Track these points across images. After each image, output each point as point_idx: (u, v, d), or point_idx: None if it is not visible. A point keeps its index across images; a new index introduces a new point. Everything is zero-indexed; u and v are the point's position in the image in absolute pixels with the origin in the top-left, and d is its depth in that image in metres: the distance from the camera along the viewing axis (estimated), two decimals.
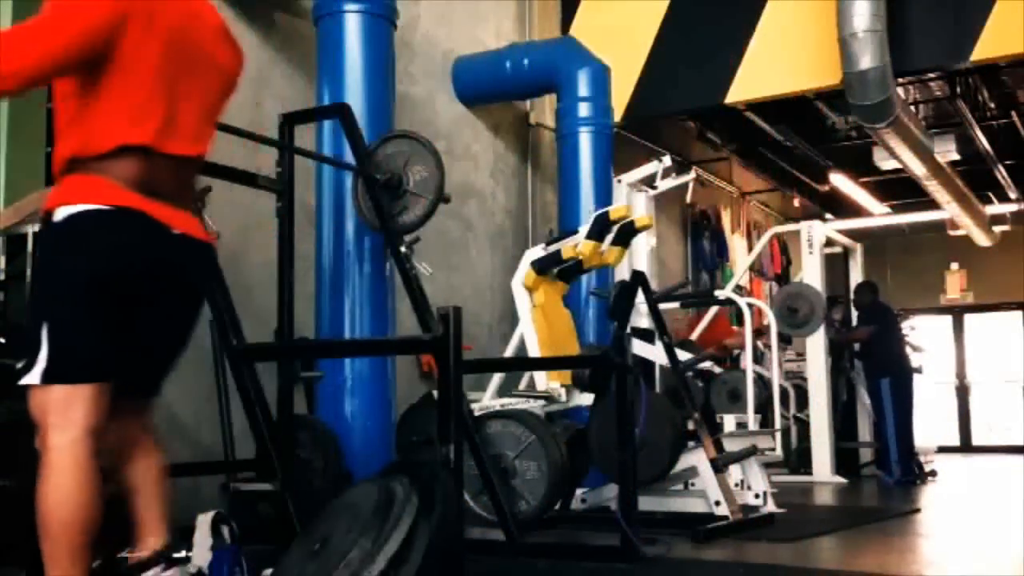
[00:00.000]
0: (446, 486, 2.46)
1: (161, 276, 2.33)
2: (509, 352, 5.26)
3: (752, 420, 6.79)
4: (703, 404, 7.09)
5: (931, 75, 8.66)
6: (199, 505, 3.76)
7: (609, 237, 5.07)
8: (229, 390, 4.61)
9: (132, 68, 2.26)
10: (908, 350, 8.77)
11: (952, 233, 12.76)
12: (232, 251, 4.84)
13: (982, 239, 12.45)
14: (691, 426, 5.10)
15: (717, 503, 4.88)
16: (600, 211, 5.15)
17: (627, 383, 4.00)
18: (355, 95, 4.99)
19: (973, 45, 6.71)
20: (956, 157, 10.43)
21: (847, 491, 7.67)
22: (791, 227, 9.78)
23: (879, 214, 13.67)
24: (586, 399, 4.99)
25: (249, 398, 3.26)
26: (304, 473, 4.27)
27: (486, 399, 5.22)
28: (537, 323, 5.03)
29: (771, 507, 5.38)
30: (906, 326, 9.36)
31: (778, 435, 6.93)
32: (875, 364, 8.39)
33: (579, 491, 5.16)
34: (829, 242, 9.06)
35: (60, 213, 2.21)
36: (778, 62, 7.39)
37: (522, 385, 5.31)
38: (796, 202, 12.67)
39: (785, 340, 8.75)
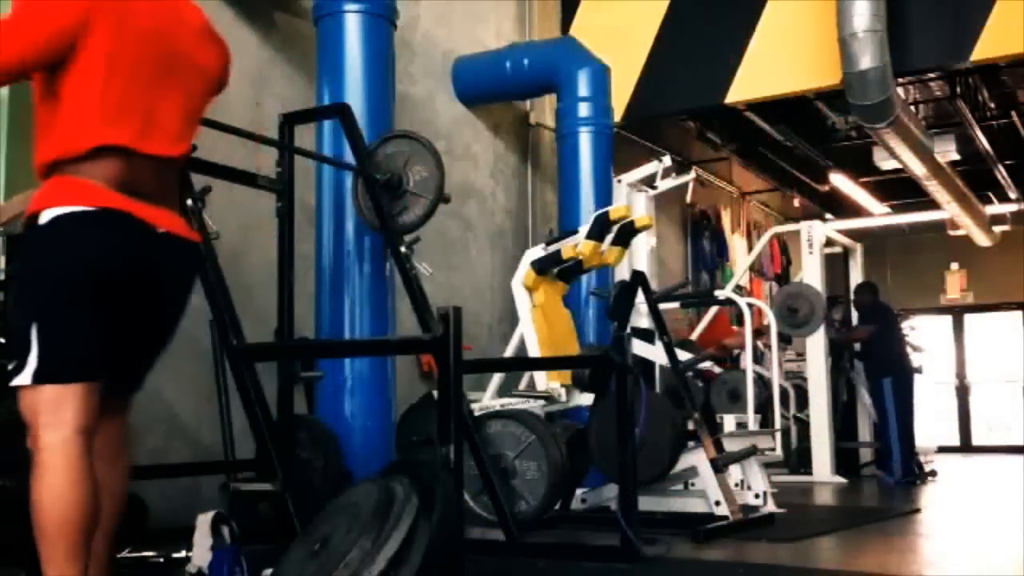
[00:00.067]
0: (446, 486, 2.46)
1: (147, 274, 2.34)
2: (509, 352, 5.26)
3: (752, 420, 6.79)
4: (703, 404, 7.09)
5: (931, 75, 8.67)
6: (199, 505, 3.77)
7: (609, 237, 5.07)
8: (229, 390, 4.60)
9: (101, 69, 2.27)
10: (908, 350, 8.77)
11: (952, 233, 12.76)
12: (232, 251, 4.84)
13: (982, 239, 12.45)
14: (691, 426, 5.10)
15: (717, 503, 4.88)
16: (600, 211, 5.15)
17: (627, 383, 4.00)
18: (355, 95, 4.99)
19: (973, 45, 6.71)
20: (956, 157, 10.43)
21: (847, 491, 7.67)
22: (791, 227, 9.78)
23: (879, 214, 13.68)
24: (586, 399, 4.99)
25: (249, 398, 3.26)
26: (304, 473, 4.26)
27: (486, 399, 5.22)
28: (537, 323, 5.03)
29: (771, 507, 5.38)
30: (906, 326, 9.36)
31: (778, 435, 6.93)
32: (876, 364, 8.39)
33: (579, 491, 5.16)
34: (829, 242, 9.06)
35: (45, 216, 2.22)
36: (778, 62, 7.39)
37: (522, 385, 5.31)
38: (796, 202, 12.67)
39: (785, 340, 8.75)
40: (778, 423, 7.38)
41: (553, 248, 5.11)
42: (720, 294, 8.10)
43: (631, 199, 7.20)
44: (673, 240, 10.81)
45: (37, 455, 2.17)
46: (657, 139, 9.31)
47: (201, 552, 3.27)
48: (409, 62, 6.62)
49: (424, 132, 5.14)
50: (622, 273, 6.46)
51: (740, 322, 8.08)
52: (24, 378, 2.18)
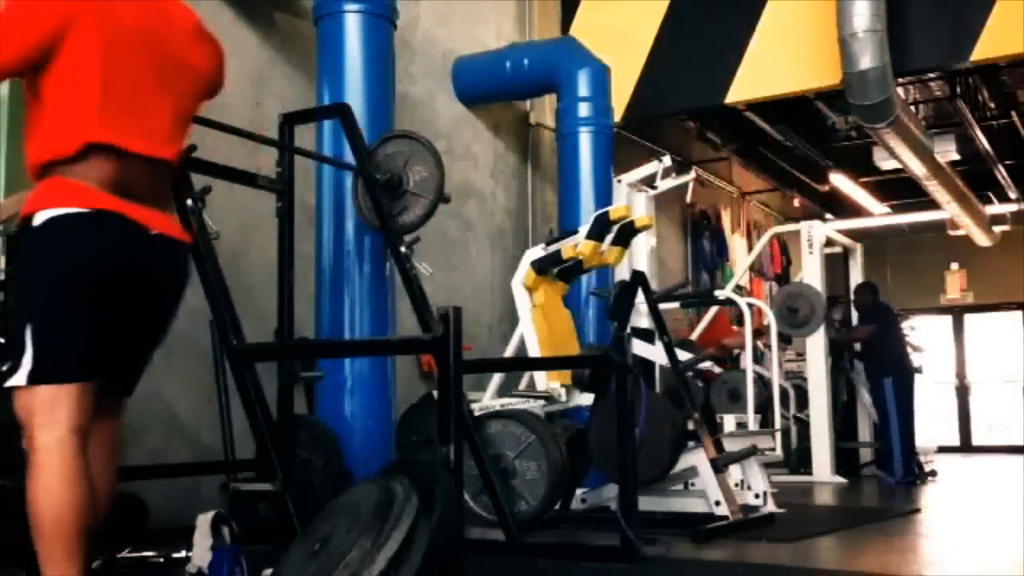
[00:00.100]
0: (446, 486, 2.46)
1: (140, 276, 2.36)
2: (509, 352, 5.26)
3: (752, 420, 6.79)
4: (703, 404, 7.09)
5: (931, 75, 8.67)
6: (199, 505, 3.77)
7: (609, 237, 5.06)
8: (229, 390, 4.61)
9: (85, 68, 2.28)
10: (908, 350, 8.77)
11: (952, 233, 12.76)
12: (232, 251, 4.84)
13: (982, 239, 12.45)
14: (691, 426, 5.10)
15: (717, 503, 4.88)
16: (600, 211, 5.15)
17: (627, 383, 3.99)
18: (355, 95, 4.99)
19: (973, 45, 6.71)
20: (956, 157, 10.43)
21: (847, 491, 7.67)
22: (791, 227, 9.78)
23: (879, 214, 13.68)
24: (586, 399, 4.99)
25: (249, 398, 3.25)
26: (304, 473, 4.26)
27: (486, 399, 5.22)
28: (537, 323, 5.03)
29: (771, 507, 5.38)
30: (906, 326, 9.36)
31: (778, 435, 6.93)
32: (877, 364, 8.39)
33: (579, 491, 5.16)
34: (829, 242, 9.06)
35: (39, 217, 2.24)
36: (778, 62, 7.39)
37: (522, 385, 5.31)
38: (796, 202, 12.68)
39: (785, 340, 8.74)
40: (778, 423, 7.38)
41: (553, 248, 5.11)
42: (720, 294, 8.10)
43: (631, 199, 7.20)
44: (673, 240, 10.82)
45: (32, 455, 2.18)
46: (657, 139, 9.31)
47: (201, 552, 3.27)
48: (409, 62, 6.62)
49: (424, 132, 5.14)
50: (622, 273, 6.46)
51: (740, 322, 8.08)
52: (19, 379, 2.19)
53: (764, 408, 7.58)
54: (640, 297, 5.37)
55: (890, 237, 14.71)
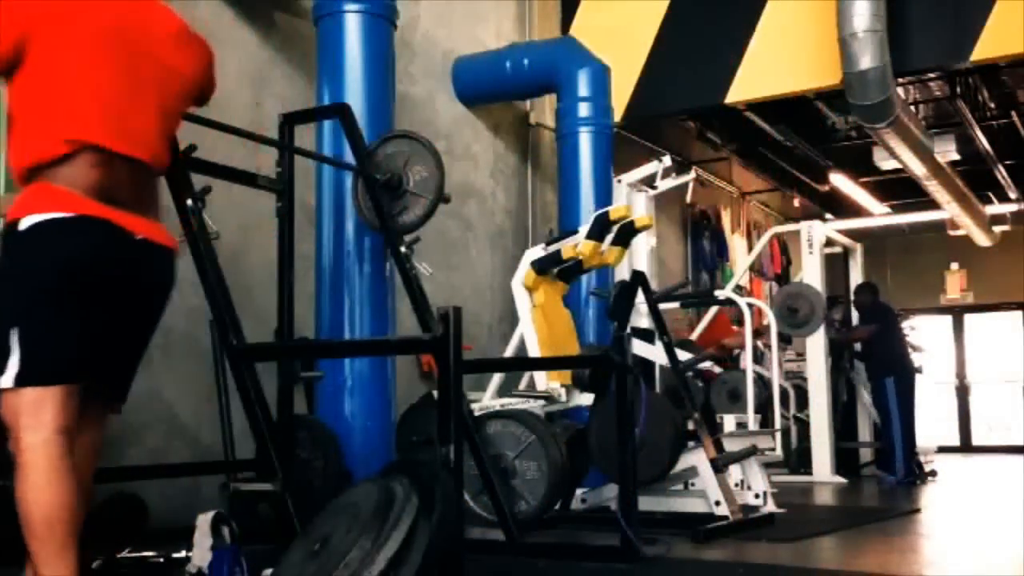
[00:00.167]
0: (446, 486, 2.46)
1: (124, 280, 2.39)
2: (509, 352, 5.26)
3: (752, 420, 6.79)
4: (703, 404, 7.09)
5: (931, 75, 8.67)
6: (199, 505, 3.77)
7: (609, 237, 5.06)
8: (229, 390, 4.61)
9: (56, 72, 2.32)
10: (908, 349, 8.77)
11: (952, 233, 12.76)
12: (232, 251, 4.84)
13: (982, 239, 12.45)
14: (691, 426, 5.10)
15: (717, 503, 4.88)
16: (600, 211, 5.14)
17: (627, 383, 3.99)
18: (355, 95, 4.99)
19: (973, 45, 6.71)
20: (956, 157, 10.43)
21: (847, 491, 7.67)
22: (791, 227, 9.78)
23: (879, 214, 13.68)
24: (586, 399, 4.98)
25: (249, 398, 3.25)
26: (304, 473, 4.26)
27: (486, 399, 5.22)
28: (537, 323, 5.03)
29: (771, 507, 5.38)
30: (906, 326, 9.36)
31: (778, 435, 6.92)
32: (878, 364, 8.39)
33: (579, 491, 5.16)
34: (829, 242, 9.06)
35: (24, 222, 2.27)
36: (778, 62, 7.39)
37: (522, 385, 5.30)
38: (796, 202, 12.68)
39: (785, 340, 8.74)
40: (778, 423, 7.38)
41: (553, 248, 5.11)
42: (720, 294, 8.09)
43: (631, 199, 7.20)
44: (673, 240, 10.81)
45: (19, 456, 2.22)
46: (657, 139, 9.31)
47: (201, 552, 3.27)
48: (409, 62, 6.62)
49: (424, 132, 5.14)
50: (622, 273, 6.46)
51: (740, 322, 8.08)
52: (5, 381, 2.23)
53: (764, 408, 7.58)
54: (640, 297, 5.37)
55: (890, 237, 14.71)
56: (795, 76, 7.42)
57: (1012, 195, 12.64)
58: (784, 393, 8.17)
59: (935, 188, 9.60)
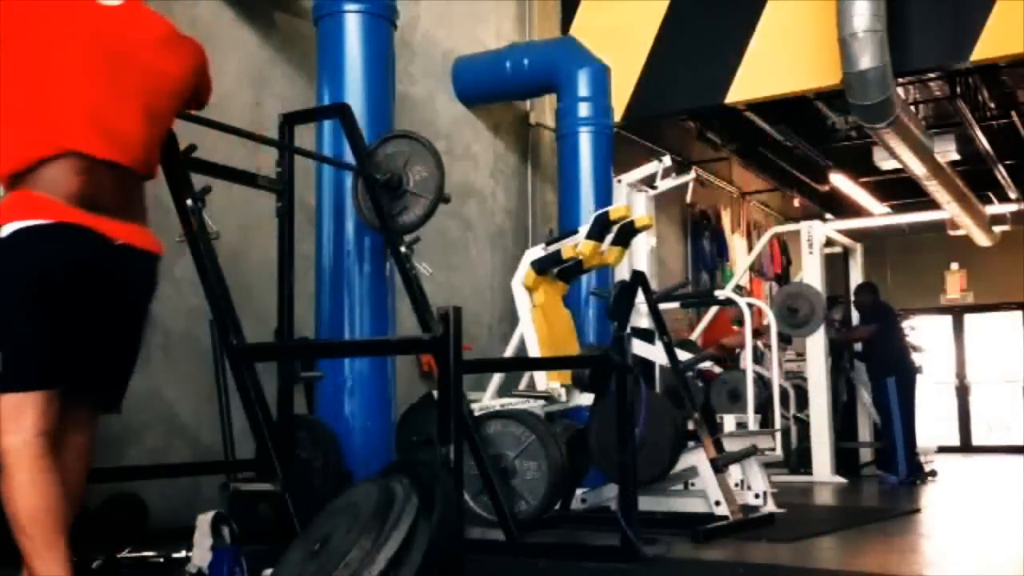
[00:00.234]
0: (446, 486, 2.46)
1: (104, 286, 2.40)
2: (509, 352, 5.26)
3: (752, 420, 6.79)
4: (703, 404, 7.09)
5: (931, 75, 8.67)
6: (199, 505, 3.77)
7: (609, 237, 5.06)
8: (229, 390, 4.61)
9: (37, 78, 2.34)
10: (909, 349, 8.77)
11: (952, 233, 12.76)
12: (232, 251, 4.84)
13: (982, 239, 12.45)
14: (691, 426, 5.10)
15: (717, 503, 4.88)
16: (600, 211, 5.14)
17: (627, 383, 3.99)
18: (355, 95, 4.99)
19: (973, 45, 6.71)
20: (956, 157, 10.43)
21: (847, 491, 7.67)
22: (791, 227, 9.78)
23: (879, 214, 13.68)
24: (586, 399, 4.98)
25: (249, 398, 3.25)
26: (304, 473, 4.26)
27: (486, 399, 5.22)
28: (537, 323, 5.03)
29: (771, 507, 5.38)
30: (906, 326, 9.36)
31: (778, 435, 6.93)
32: (879, 364, 8.38)
33: (579, 491, 5.16)
34: (829, 242, 9.06)
35: (4, 230, 2.29)
36: (778, 62, 7.39)
37: (522, 385, 5.30)
38: (796, 202, 12.68)
39: (785, 340, 8.74)
40: (778, 423, 7.38)
41: (553, 248, 5.11)
42: (720, 294, 8.10)
43: (631, 199, 7.20)
44: (673, 240, 10.81)
45: (3, 459, 2.26)
46: (657, 139, 9.31)
47: (201, 552, 3.28)
48: (409, 62, 6.62)
49: (424, 132, 5.14)
50: (622, 273, 6.46)
51: (740, 322, 8.08)
52: None
53: (764, 408, 7.58)
54: (640, 297, 5.37)
55: (890, 237, 14.71)
56: (795, 76, 7.42)
57: (1012, 195, 12.63)
58: (784, 393, 8.17)
59: (935, 188, 9.60)
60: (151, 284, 2.58)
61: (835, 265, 9.97)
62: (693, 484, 5.29)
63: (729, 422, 6.92)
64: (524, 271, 5.09)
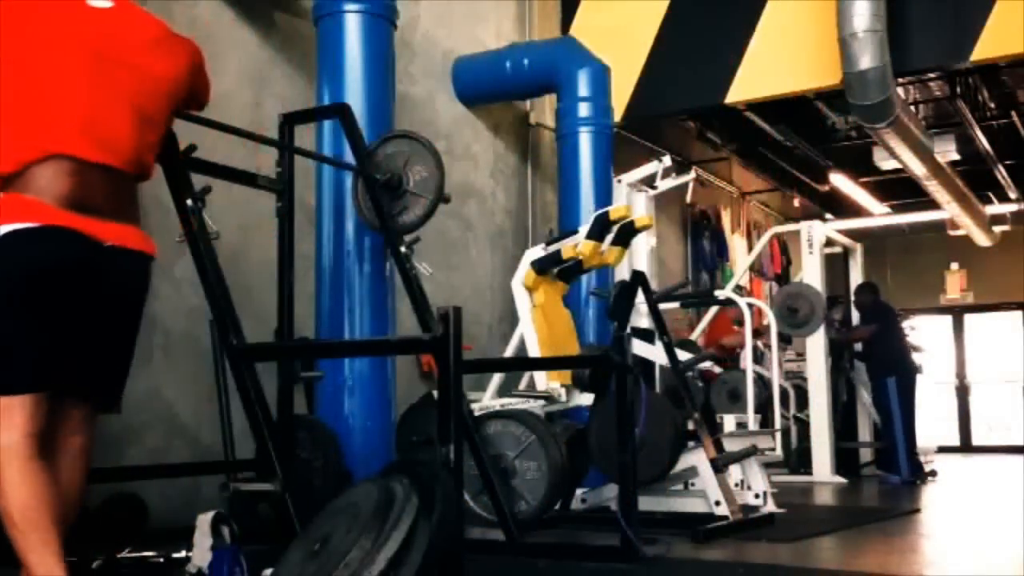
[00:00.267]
0: (446, 486, 2.46)
1: (93, 288, 2.40)
2: (509, 352, 5.26)
3: (752, 420, 6.79)
4: (703, 404, 7.09)
5: (931, 75, 8.66)
6: (199, 505, 3.77)
7: (609, 237, 5.06)
8: (229, 390, 4.61)
9: (26, 82, 2.34)
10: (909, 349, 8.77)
11: (952, 233, 12.76)
12: (232, 251, 4.84)
13: (982, 239, 12.45)
14: (691, 426, 5.10)
15: (717, 503, 4.88)
16: (600, 211, 5.14)
17: (627, 383, 3.99)
18: (355, 95, 4.99)
19: (973, 45, 6.70)
20: (956, 157, 10.43)
21: (847, 491, 7.67)
22: (791, 227, 9.78)
23: (879, 214, 13.68)
24: (586, 399, 4.98)
25: (249, 398, 3.25)
26: (304, 473, 4.26)
27: (486, 399, 5.22)
28: (537, 323, 5.03)
29: (771, 507, 5.38)
30: (906, 326, 9.36)
31: (778, 435, 6.93)
32: (879, 364, 8.38)
33: (579, 491, 5.16)
34: (829, 242, 9.06)
35: None
36: (778, 62, 7.39)
37: (522, 385, 5.30)
38: (796, 202, 12.67)
39: (785, 340, 8.74)
40: (778, 423, 7.38)
41: (553, 248, 5.11)
42: (720, 294, 8.10)
43: (631, 199, 7.20)
44: (673, 240, 10.81)
45: None
46: (657, 139, 9.31)
47: (201, 552, 3.28)
48: (409, 62, 6.62)
49: (424, 132, 5.14)
50: (622, 273, 6.46)
51: (740, 322, 8.08)
52: None
53: (764, 408, 7.58)
54: (640, 297, 5.37)
55: (890, 237, 14.71)
56: (795, 76, 7.42)
57: (1012, 195, 12.63)
58: (784, 393, 8.17)
59: (935, 188, 9.59)
60: (143, 285, 2.58)
61: (835, 265, 9.97)
62: (693, 484, 5.29)
63: (729, 422, 6.92)
64: (524, 271, 5.09)
